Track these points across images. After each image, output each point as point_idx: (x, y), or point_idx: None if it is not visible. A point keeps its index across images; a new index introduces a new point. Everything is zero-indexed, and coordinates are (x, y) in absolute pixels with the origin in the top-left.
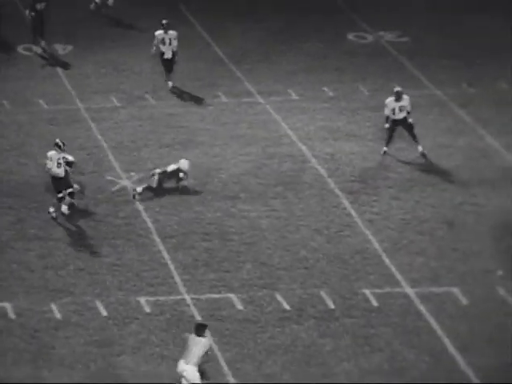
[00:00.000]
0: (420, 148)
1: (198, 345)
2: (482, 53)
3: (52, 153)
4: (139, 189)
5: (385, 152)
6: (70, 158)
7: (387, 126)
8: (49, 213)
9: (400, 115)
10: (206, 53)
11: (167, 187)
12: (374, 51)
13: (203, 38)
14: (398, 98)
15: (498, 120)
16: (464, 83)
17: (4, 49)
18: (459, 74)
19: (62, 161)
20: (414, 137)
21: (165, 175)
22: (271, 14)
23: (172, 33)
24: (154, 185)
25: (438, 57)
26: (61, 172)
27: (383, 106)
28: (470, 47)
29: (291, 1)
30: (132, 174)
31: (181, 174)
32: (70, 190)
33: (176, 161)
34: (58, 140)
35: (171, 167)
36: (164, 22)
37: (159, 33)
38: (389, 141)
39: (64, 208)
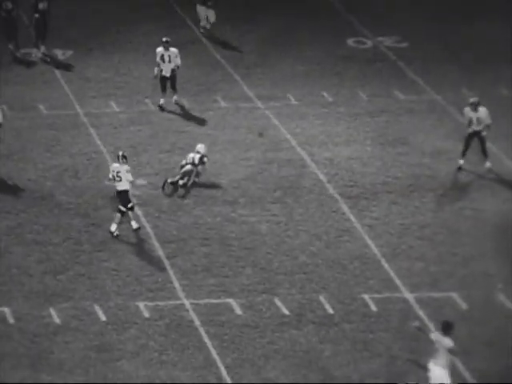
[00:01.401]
0: (488, 164)
1: (443, 345)
2: (481, 58)
3: (115, 165)
4: (181, 182)
5: (460, 167)
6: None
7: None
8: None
9: (476, 127)
10: (204, 57)
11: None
12: (374, 56)
13: (201, 41)
14: (475, 108)
15: (497, 125)
16: (463, 88)
17: (3, 53)
18: (458, 78)
19: (121, 174)
20: (484, 151)
21: (196, 166)
22: (269, 18)
23: (173, 50)
24: (192, 180)
25: (437, 62)
26: (120, 185)
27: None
28: (469, 52)
29: (289, 5)
30: (140, 181)
31: (205, 159)
32: (122, 208)
33: (183, 156)
34: (121, 152)
35: (195, 157)
36: (164, 39)
37: (159, 50)
38: (464, 153)
39: (114, 226)
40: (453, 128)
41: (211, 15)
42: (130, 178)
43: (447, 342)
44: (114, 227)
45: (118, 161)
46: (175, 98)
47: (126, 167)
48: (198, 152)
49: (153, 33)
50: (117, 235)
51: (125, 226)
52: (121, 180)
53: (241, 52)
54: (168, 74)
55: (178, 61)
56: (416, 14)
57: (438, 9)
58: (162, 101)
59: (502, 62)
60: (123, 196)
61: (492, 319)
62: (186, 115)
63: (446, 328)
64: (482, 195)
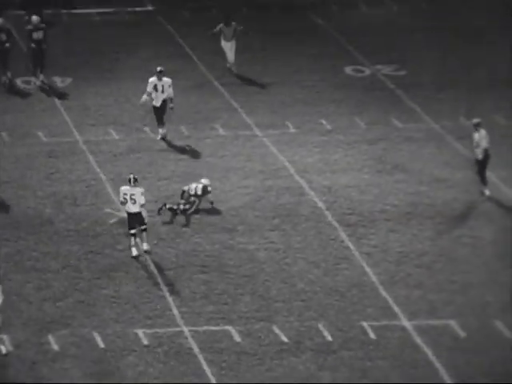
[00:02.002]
0: (487, 191)
1: None
2: (478, 86)
3: (126, 188)
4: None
5: (484, 194)
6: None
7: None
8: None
9: (477, 150)
10: (203, 84)
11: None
12: (372, 84)
13: (199, 69)
14: (476, 129)
15: (495, 153)
16: (461, 117)
17: (1, 82)
18: (456, 107)
19: (135, 196)
20: (481, 177)
21: (199, 198)
22: (267, 46)
23: (166, 80)
24: (192, 209)
25: (435, 90)
26: (134, 208)
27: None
28: (467, 80)
29: (288, 33)
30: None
31: (209, 188)
32: (143, 226)
33: (182, 184)
34: (132, 175)
35: (198, 187)
36: (158, 68)
37: (152, 80)
38: (484, 179)
39: (146, 245)
40: (451, 156)
41: (232, 54)
42: (143, 201)
43: None
44: (146, 246)
45: (130, 183)
46: (162, 131)
47: (141, 189)
48: (202, 183)
49: (152, 60)
50: (149, 251)
51: (122, 253)
52: (135, 202)
53: (239, 80)
54: (158, 105)
55: (171, 91)
56: (414, 43)
57: (437, 37)
58: (160, 131)
59: (500, 90)
60: (139, 217)
61: (490, 347)
62: (185, 143)
63: None
64: (480, 223)
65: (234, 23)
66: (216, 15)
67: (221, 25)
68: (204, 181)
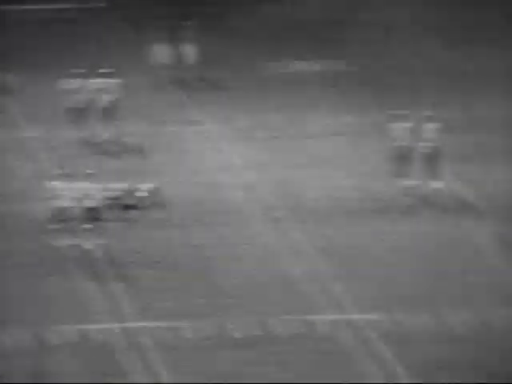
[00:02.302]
0: (435, 184)
1: None
2: (425, 80)
3: (80, 185)
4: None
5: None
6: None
7: None
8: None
9: (423, 144)
10: (155, 81)
11: (116, 216)
12: (323, 80)
13: (152, 66)
14: (425, 123)
15: (446, 146)
16: (405, 110)
17: None
18: (405, 100)
19: (88, 192)
20: (433, 171)
21: (150, 194)
22: (218, 40)
23: (114, 81)
24: (143, 204)
25: (384, 84)
26: (88, 203)
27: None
28: (410, 72)
29: (237, 27)
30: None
31: (159, 189)
32: (95, 222)
33: (130, 181)
34: (84, 170)
35: (149, 186)
36: (103, 70)
37: (98, 80)
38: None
39: (97, 241)
40: (392, 149)
41: (191, 54)
42: (97, 196)
43: None
44: (97, 241)
45: (82, 179)
46: (109, 132)
47: (96, 186)
48: (152, 184)
49: (104, 57)
50: (100, 246)
51: (72, 250)
52: (88, 198)
53: (188, 76)
54: (106, 105)
55: (119, 91)
56: (364, 38)
57: (386, 31)
58: (107, 133)
59: (442, 83)
60: (92, 212)
61: (441, 340)
62: (135, 139)
63: None
64: (430, 216)
65: (189, 22)
66: (169, 12)
67: (179, 22)
68: (155, 183)
